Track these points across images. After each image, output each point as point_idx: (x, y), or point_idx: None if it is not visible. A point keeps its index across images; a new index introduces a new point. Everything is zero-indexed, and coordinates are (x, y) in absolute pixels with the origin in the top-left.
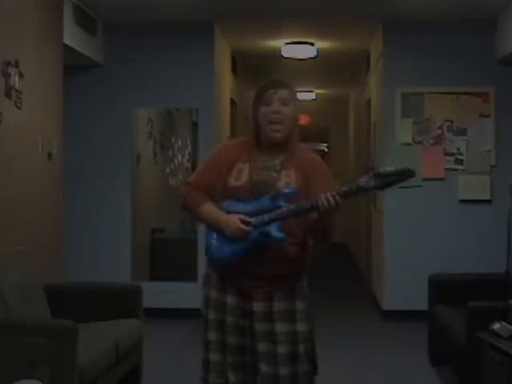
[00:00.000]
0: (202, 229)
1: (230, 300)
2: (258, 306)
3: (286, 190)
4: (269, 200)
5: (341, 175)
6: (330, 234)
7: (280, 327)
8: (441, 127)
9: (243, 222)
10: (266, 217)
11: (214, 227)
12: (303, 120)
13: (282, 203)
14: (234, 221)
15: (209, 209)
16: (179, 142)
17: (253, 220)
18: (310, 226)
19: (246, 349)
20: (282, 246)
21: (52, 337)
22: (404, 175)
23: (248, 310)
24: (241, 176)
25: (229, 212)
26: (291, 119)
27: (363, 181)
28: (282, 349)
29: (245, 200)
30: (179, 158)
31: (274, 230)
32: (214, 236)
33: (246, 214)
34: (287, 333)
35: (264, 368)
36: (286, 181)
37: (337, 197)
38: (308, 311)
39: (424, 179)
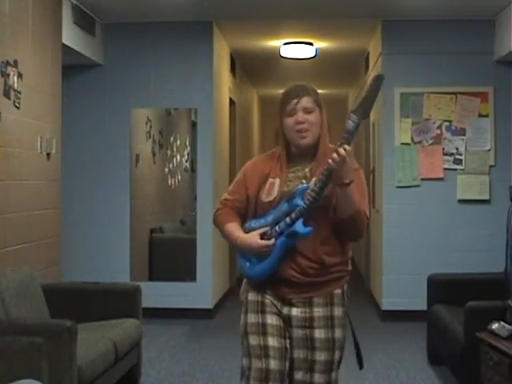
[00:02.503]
0: (201, 229)
1: (269, 300)
2: (297, 311)
3: (299, 187)
4: (286, 203)
5: None
6: (358, 218)
7: (318, 333)
8: (440, 127)
9: (262, 236)
10: (288, 219)
11: (236, 248)
12: None
13: (299, 201)
14: (253, 240)
15: (230, 229)
16: (178, 142)
17: (276, 228)
18: (337, 221)
19: (287, 354)
20: (319, 256)
21: (51, 337)
22: (376, 86)
23: (286, 315)
24: (272, 191)
25: (253, 230)
26: (318, 125)
27: (349, 123)
28: (319, 356)
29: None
30: (178, 157)
31: (299, 227)
32: (244, 258)
33: (268, 225)
34: (325, 339)
35: (299, 376)
36: None
37: (345, 146)
38: (344, 318)
39: (423, 179)
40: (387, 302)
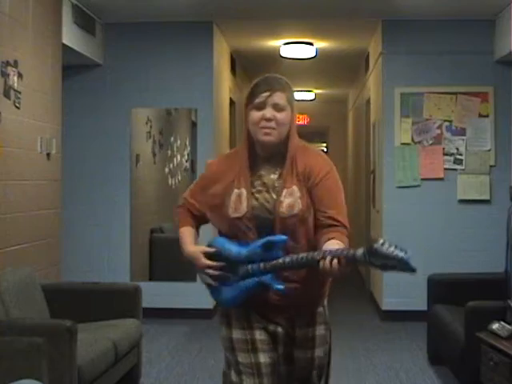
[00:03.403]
0: (200, 229)
1: (254, 316)
2: (281, 329)
3: (276, 239)
4: (260, 248)
5: (340, 176)
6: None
7: (297, 353)
8: (440, 127)
9: (206, 255)
10: (262, 265)
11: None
12: (302, 120)
13: (278, 254)
14: (200, 260)
15: (183, 236)
16: (178, 142)
17: (248, 268)
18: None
19: (276, 369)
20: (299, 274)
21: (51, 337)
22: (401, 266)
23: (272, 331)
24: (240, 205)
25: (221, 250)
26: (286, 125)
27: (360, 253)
28: (297, 374)
29: (247, 232)
30: (178, 157)
31: (272, 282)
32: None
33: (241, 260)
34: (303, 359)
35: None
36: (289, 203)
37: (342, 260)
38: (326, 335)
39: (423, 179)
40: (387, 302)
